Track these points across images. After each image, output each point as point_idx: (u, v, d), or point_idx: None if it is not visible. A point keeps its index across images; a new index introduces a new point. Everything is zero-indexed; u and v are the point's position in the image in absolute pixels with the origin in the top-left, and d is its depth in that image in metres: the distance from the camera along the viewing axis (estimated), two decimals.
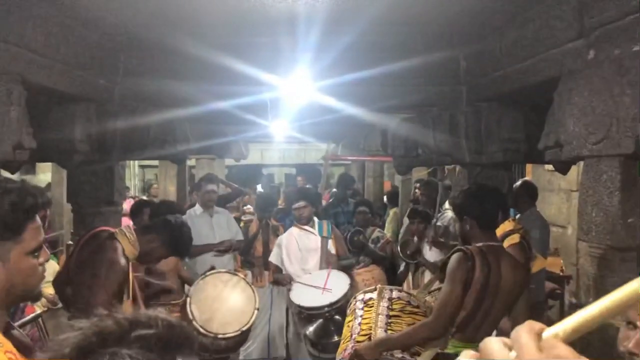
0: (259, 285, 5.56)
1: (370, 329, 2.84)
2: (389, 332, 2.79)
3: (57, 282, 3.15)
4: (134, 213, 4.71)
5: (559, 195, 7.18)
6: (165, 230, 3.02)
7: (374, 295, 3.06)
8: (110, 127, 4.16)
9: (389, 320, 2.86)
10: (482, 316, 2.68)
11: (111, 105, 4.25)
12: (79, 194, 4.30)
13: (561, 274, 6.08)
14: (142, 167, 16.45)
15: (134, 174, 15.46)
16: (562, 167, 4.19)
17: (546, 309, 5.79)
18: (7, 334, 1.35)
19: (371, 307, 2.98)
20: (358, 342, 2.82)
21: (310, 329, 4.26)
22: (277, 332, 5.60)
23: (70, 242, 6.42)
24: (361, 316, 2.98)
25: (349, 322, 3.05)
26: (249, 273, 5.75)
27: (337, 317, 4.19)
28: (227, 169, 14.64)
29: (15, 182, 1.32)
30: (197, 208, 5.67)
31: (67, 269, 3.04)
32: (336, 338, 4.07)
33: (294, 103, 4.89)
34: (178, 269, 4.15)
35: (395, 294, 3.04)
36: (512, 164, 4.68)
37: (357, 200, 6.42)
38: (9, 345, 1.29)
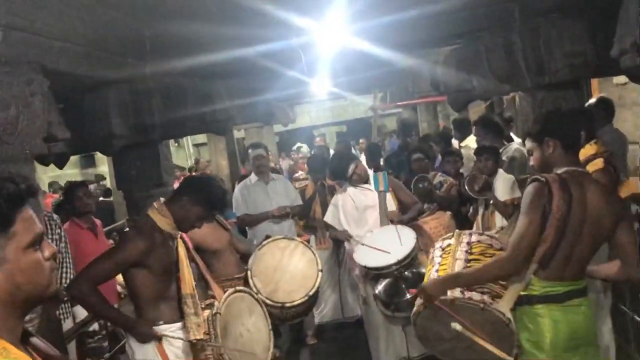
0: (323, 247, 5.41)
1: (445, 270, 2.60)
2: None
3: None
4: None
5: (632, 110, 6.62)
6: (191, 189, 2.93)
7: (452, 240, 2.82)
8: (146, 107, 4.02)
9: (468, 265, 2.62)
10: (567, 251, 2.37)
11: (144, 83, 4.09)
12: (127, 179, 4.23)
13: None
14: (195, 145, 16.62)
15: (189, 155, 15.64)
16: (637, 74, 3.75)
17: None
18: (26, 344, 1.18)
19: (449, 253, 2.74)
20: None
21: (380, 288, 4.07)
22: (349, 292, 5.46)
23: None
24: (439, 263, 2.74)
25: (428, 271, 2.83)
26: (312, 237, 5.62)
27: (406, 273, 3.97)
28: (276, 135, 14.55)
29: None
30: (252, 177, 5.55)
31: None
32: (408, 296, 3.86)
33: (330, 51, 4.56)
34: (233, 243, 4.02)
35: (474, 237, 2.79)
36: (580, 81, 4.24)
37: (411, 148, 6.11)
38: (25, 358, 1.11)
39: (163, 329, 2.79)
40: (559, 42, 3.72)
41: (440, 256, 2.80)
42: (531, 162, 2.64)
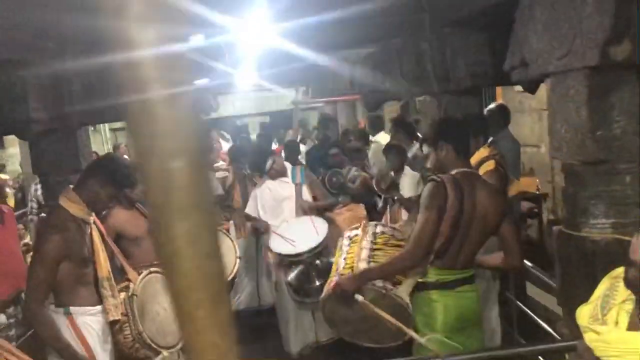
0: (242, 236, 5.56)
1: (353, 262, 2.86)
2: (372, 264, 2.82)
3: None
4: None
5: (531, 116, 7.21)
6: (96, 170, 2.92)
7: (359, 231, 3.08)
8: (66, 90, 3.99)
9: (372, 253, 2.88)
10: (459, 243, 2.70)
11: (64, 67, 4.04)
12: (44, 163, 4.16)
13: (537, 192, 6.17)
14: (113, 130, 16.10)
15: (105, 139, 15.14)
16: (531, 87, 4.16)
17: (524, 228, 5.91)
18: None
19: (355, 242, 3.00)
20: (342, 275, 2.84)
21: (292, 275, 4.29)
22: (266, 280, 5.64)
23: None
24: (346, 251, 2.99)
25: (336, 258, 3.07)
26: (231, 224, 5.75)
27: (317, 262, 4.21)
28: None
29: None
30: None
31: None
32: (317, 283, 4.12)
33: (253, 48, 4.72)
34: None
35: (379, 228, 3.05)
36: (481, 88, 4.64)
37: (328, 143, 6.38)
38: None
39: (82, 311, 2.86)
40: (463, 52, 4.06)
41: (348, 245, 3.06)
42: (427, 165, 2.95)
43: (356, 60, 4.86)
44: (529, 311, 3.87)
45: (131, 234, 3.88)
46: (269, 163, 4.75)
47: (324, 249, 4.19)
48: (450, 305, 2.70)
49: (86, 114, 4.16)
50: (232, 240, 4.16)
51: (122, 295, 2.95)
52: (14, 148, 12.06)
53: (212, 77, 6.14)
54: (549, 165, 6.76)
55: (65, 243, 2.76)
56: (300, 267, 4.28)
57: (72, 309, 2.84)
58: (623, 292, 1.34)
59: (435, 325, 2.72)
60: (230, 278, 3.95)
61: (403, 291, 2.73)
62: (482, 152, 3.70)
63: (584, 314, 1.38)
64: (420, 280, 2.75)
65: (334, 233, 4.44)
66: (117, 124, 14.28)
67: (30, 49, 3.60)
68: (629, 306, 1.32)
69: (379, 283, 2.74)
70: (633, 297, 1.31)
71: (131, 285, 3.04)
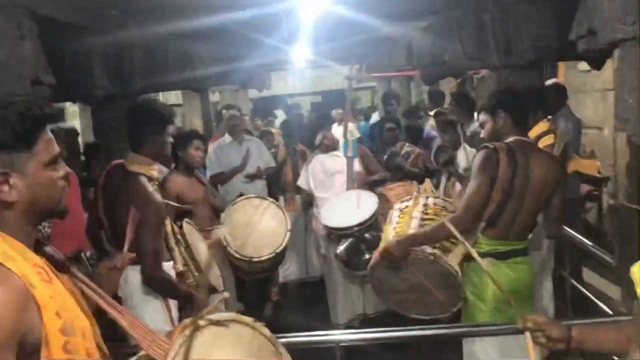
0: (291, 209, 5.61)
1: (403, 231, 2.84)
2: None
3: (90, 229, 3.10)
4: None
5: (594, 96, 6.91)
6: (138, 122, 2.80)
7: (410, 202, 3.05)
8: (127, 58, 4.11)
9: (422, 223, 2.85)
10: (512, 212, 2.63)
11: (126, 36, 4.16)
12: (105, 130, 4.32)
13: (598, 175, 5.94)
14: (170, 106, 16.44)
15: None
16: (597, 61, 3.99)
17: (582, 211, 5.72)
18: (39, 251, 1.36)
19: (406, 213, 2.97)
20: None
21: (341, 248, 4.29)
22: (314, 253, 5.69)
23: None
24: (396, 222, 2.98)
25: (386, 228, 3.06)
26: (281, 198, 5.81)
27: (366, 235, 4.19)
28: (251, 101, 14.55)
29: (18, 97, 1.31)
30: (226, 137, 5.66)
31: (97, 213, 2.92)
32: (367, 256, 4.10)
33: (310, 18, 4.69)
34: (207, 197, 4.18)
35: (430, 200, 3.02)
36: (543, 63, 4.49)
37: (384, 117, 6.30)
38: (38, 260, 1.30)
39: (167, 267, 2.88)
40: (526, 25, 3.93)
41: (398, 216, 3.03)
42: (482, 135, 2.88)
43: (415, 34, 4.77)
44: (583, 289, 3.75)
45: (187, 199, 3.98)
46: (319, 137, 4.76)
47: (374, 223, 4.16)
48: (502, 276, 2.63)
49: (146, 80, 4.27)
50: (284, 213, 4.20)
51: (176, 249, 3.03)
52: (75, 120, 12.53)
53: (265, 52, 6.19)
54: (612, 148, 6.48)
55: (162, 206, 2.75)
56: (349, 240, 4.27)
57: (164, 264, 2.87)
58: None
59: (485, 296, 2.68)
60: (281, 249, 4.00)
61: (453, 259, 2.69)
62: (541, 127, 3.60)
63: (638, 268, 1.34)
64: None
65: (385, 208, 4.41)
66: (174, 100, 14.63)
67: (94, 17, 3.71)
68: None
69: (428, 249, 2.71)
70: None
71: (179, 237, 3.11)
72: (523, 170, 2.61)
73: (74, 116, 13.20)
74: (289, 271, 5.84)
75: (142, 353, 1.73)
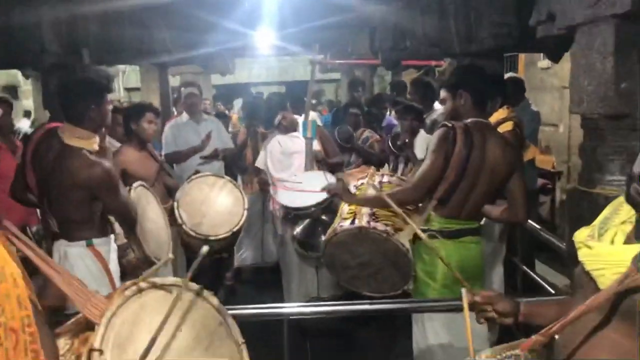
0: (249, 192, 5.53)
1: (356, 208, 2.81)
2: (374, 210, 2.77)
3: (15, 191, 3.00)
4: None
5: (552, 94, 7.08)
6: (73, 94, 2.78)
7: (365, 180, 3.03)
8: (81, 27, 3.95)
9: None
10: (465, 191, 2.63)
11: (81, 5, 4.00)
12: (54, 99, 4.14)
13: (552, 170, 6.07)
14: (127, 89, 16.11)
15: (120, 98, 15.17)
16: (555, 52, 4.06)
17: (537, 204, 5.83)
18: None
19: (361, 189, 2.96)
20: (344, 219, 2.80)
21: (298, 229, 4.25)
22: (270, 238, 5.62)
23: None
24: None
25: (342, 206, 3.03)
26: (239, 180, 5.72)
27: (323, 217, 4.16)
28: (214, 88, 14.35)
29: None
30: (183, 115, 5.53)
31: (24, 179, 2.88)
32: (323, 237, 4.08)
33: (272, 3, 4.62)
34: (160, 174, 4.08)
35: (386, 178, 3.01)
36: (504, 52, 4.53)
37: (348, 103, 6.28)
38: None
39: (102, 242, 2.86)
40: (488, 12, 3.95)
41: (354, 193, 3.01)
42: (441, 113, 2.88)
43: (377, 18, 4.75)
44: (533, 274, 3.81)
45: (138, 174, 3.85)
46: (278, 117, 4.70)
47: (331, 204, 4.13)
48: (451, 254, 2.62)
49: (101, 50, 4.12)
50: (241, 192, 4.13)
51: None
52: (28, 101, 12.13)
53: (226, 34, 6.06)
54: (566, 145, 6.66)
55: (109, 167, 2.72)
56: (306, 221, 4.23)
57: (94, 240, 2.82)
58: (624, 214, 1.30)
59: (436, 274, 2.68)
60: (237, 228, 3.93)
61: (404, 237, 2.69)
62: (501, 113, 3.61)
63: (581, 233, 1.35)
64: (422, 227, 2.70)
65: None
66: (133, 83, 14.29)
67: None
68: (627, 227, 1.28)
69: (380, 227, 2.69)
70: (633, 219, 1.26)
71: None
72: (479, 151, 2.61)
73: (28, 95, 12.79)
74: (244, 256, 5.74)
75: (80, 316, 1.65)
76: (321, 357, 3.89)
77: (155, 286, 1.65)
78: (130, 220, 2.87)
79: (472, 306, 1.70)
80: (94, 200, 2.75)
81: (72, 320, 1.67)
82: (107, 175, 2.68)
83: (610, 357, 1.26)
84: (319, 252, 3.94)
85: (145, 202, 3.26)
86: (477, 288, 2.75)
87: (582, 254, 1.31)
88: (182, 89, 5.65)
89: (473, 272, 2.75)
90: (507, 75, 5.07)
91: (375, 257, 2.76)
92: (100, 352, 1.44)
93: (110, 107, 2.84)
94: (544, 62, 7.02)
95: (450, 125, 2.63)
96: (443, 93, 2.83)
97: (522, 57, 7.53)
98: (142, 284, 1.63)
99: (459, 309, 2.29)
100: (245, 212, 4.01)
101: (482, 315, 1.70)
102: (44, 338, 1.40)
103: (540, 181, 5.70)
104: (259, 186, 5.18)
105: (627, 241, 1.26)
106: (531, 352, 1.17)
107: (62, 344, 1.60)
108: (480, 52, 4.14)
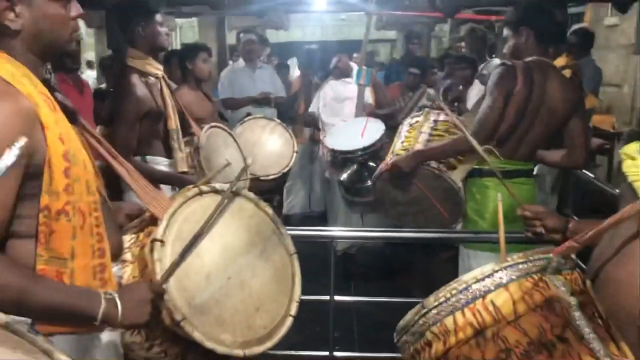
0: (299, 142, 5.60)
1: (410, 145, 2.82)
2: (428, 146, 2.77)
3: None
4: None
5: (617, 53, 6.77)
6: (126, 17, 2.89)
7: (420, 118, 3.02)
8: None
9: (431, 138, 2.82)
10: (523, 132, 2.60)
11: None
12: (118, 39, 4.26)
13: (612, 130, 5.86)
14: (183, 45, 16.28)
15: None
16: (623, 3, 3.90)
17: (593, 165, 5.66)
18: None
19: (415, 128, 2.95)
20: (396, 155, 2.81)
21: (344, 175, 4.30)
22: (319, 187, 5.71)
23: None
24: (404, 136, 2.95)
25: (394, 143, 3.03)
26: (290, 129, 5.78)
27: (370, 163, 4.18)
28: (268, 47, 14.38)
29: None
30: (240, 62, 5.61)
31: None
32: (369, 182, 4.10)
33: None
34: (215, 115, 4.19)
35: (442, 116, 2.97)
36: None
37: (405, 57, 6.18)
38: (45, 90, 1.30)
39: (157, 161, 2.97)
40: None
41: (407, 130, 3.00)
42: (504, 50, 2.82)
43: None
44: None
45: (194, 113, 3.96)
46: (334, 61, 4.71)
47: (379, 150, 4.14)
48: (503, 194, 2.62)
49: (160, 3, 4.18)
50: (291, 135, 4.20)
51: (187, 149, 3.05)
52: (92, 71, 12.50)
53: None
54: (629, 106, 6.40)
55: (142, 100, 2.83)
56: (353, 167, 4.27)
57: (148, 157, 2.95)
58: None
59: (486, 213, 2.68)
60: (287, 169, 4.01)
61: (457, 175, 2.68)
62: (560, 61, 3.53)
63: (630, 147, 1.36)
64: (476, 166, 2.69)
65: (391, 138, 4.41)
66: (189, 39, 14.48)
67: None
68: None
69: (433, 164, 2.70)
70: None
71: (195, 139, 3.13)
72: (539, 90, 2.55)
73: (91, 47, 13.15)
74: (292, 204, 5.87)
75: (146, 215, 1.76)
76: (365, 292, 3.97)
77: (214, 191, 1.73)
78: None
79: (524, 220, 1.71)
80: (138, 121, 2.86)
81: (138, 219, 1.78)
82: (128, 101, 2.81)
83: None
84: (365, 198, 4.00)
85: (222, 142, 3.35)
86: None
87: (626, 165, 1.33)
88: (241, 34, 5.70)
89: None
90: (576, 26, 4.87)
91: (426, 194, 2.77)
92: (162, 242, 1.52)
93: (164, 29, 2.92)
94: (611, 19, 6.70)
95: (510, 63, 2.59)
96: (506, 31, 2.77)
97: (588, 13, 7.20)
98: (203, 187, 1.71)
99: (509, 241, 2.32)
100: (295, 155, 4.08)
101: (531, 230, 1.71)
102: (110, 227, 1.51)
103: (598, 141, 5.52)
104: (305, 124, 5.21)
105: None
106: (564, 258, 1.18)
107: (128, 238, 1.71)
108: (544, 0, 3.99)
